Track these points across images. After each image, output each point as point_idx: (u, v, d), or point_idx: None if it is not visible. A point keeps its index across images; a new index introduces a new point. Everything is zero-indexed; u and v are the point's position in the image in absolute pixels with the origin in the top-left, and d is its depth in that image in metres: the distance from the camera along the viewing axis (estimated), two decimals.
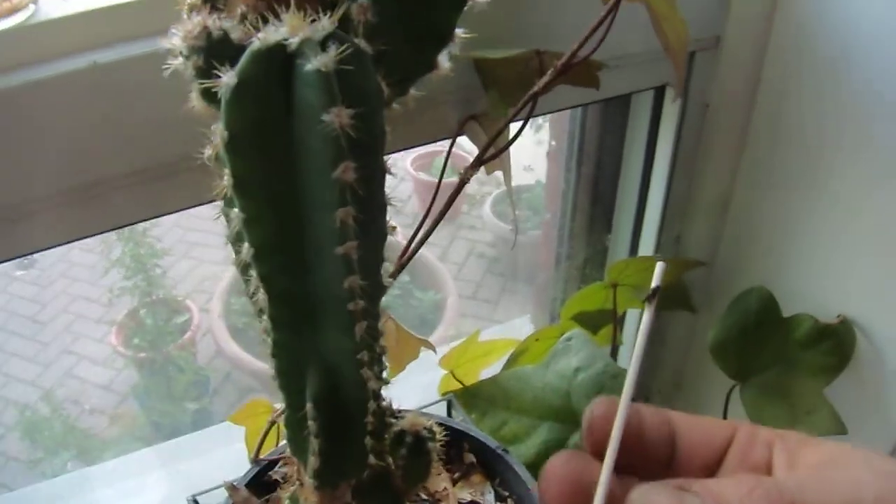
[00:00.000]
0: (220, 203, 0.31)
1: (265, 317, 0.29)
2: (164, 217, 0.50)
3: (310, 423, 0.31)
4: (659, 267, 0.31)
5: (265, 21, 0.26)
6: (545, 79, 0.47)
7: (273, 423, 0.50)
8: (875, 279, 0.60)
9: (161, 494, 0.75)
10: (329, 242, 0.26)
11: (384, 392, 0.34)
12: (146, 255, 1.59)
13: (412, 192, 1.93)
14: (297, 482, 0.37)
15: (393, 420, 0.38)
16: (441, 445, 0.40)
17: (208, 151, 0.30)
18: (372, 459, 0.35)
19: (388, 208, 0.29)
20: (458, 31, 0.31)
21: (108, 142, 0.44)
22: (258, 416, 0.55)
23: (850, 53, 0.57)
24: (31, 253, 0.49)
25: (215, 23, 0.27)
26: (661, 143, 0.70)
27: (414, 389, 0.70)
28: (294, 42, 0.24)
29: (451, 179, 0.52)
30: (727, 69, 0.64)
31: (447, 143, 0.55)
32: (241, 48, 0.26)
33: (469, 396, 0.59)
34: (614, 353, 0.77)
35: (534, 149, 1.26)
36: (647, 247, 0.76)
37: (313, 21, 0.25)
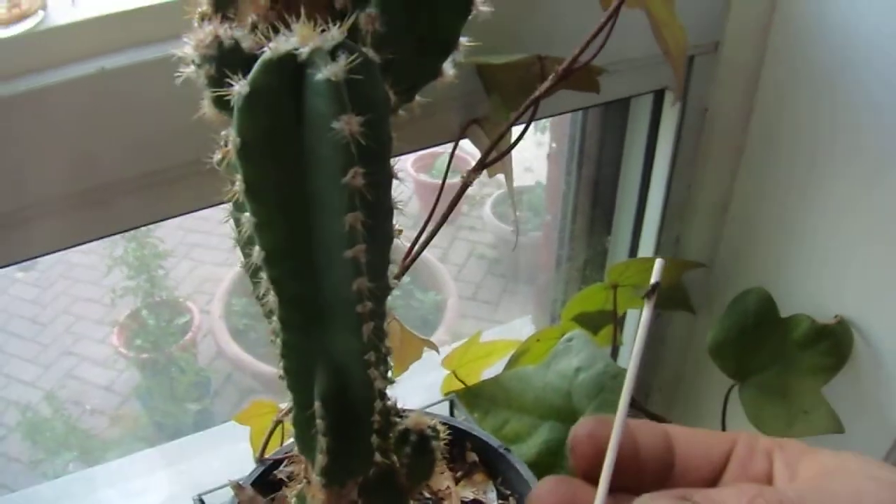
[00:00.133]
0: (228, 207, 0.32)
1: (275, 318, 0.30)
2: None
3: (318, 421, 0.31)
4: (658, 263, 0.30)
5: (276, 30, 0.26)
6: (546, 84, 0.48)
7: (278, 422, 0.51)
8: (871, 280, 0.61)
9: (165, 495, 0.75)
10: (338, 246, 0.27)
11: (389, 391, 0.35)
12: (150, 256, 1.59)
13: (412, 194, 1.93)
14: (305, 480, 0.38)
15: (397, 419, 0.38)
16: (444, 444, 0.40)
17: (217, 156, 0.30)
18: (378, 457, 0.35)
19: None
20: (462, 39, 0.32)
21: (115, 146, 0.44)
22: (263, 416, 0.55)
23: (848, 59, 0.57)
24: (39, 256, 0.49)
25: (226, 32, 0.27)
26: (661, 146, 0.70)
27: (417, 389, 0.71)
28: (304, 52, 0.25)
29: (453, 181, 0.52)
30: (726, 74, 0.65)
31: (448, 145, 0.55)
32: (252, 57, 0.26)
33: (471, 396, 0.60)
34: (614, 354, 0.78)
35: (534, 150, 1.27)
36: (646, 248, 0.76)
37: (323, 31, 0.25)
